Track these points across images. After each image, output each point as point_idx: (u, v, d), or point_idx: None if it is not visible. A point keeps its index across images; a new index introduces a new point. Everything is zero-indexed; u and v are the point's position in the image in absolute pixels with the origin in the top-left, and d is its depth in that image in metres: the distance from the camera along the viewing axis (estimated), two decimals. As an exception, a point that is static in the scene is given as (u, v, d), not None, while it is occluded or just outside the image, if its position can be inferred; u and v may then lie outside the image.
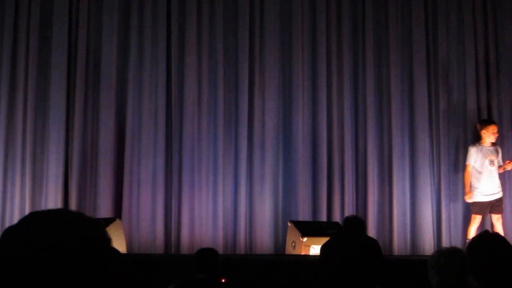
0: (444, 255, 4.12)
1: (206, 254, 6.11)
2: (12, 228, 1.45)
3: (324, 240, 8.88)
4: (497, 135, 9.93)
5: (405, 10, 10.72)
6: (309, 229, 9.06)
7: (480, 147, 9.87)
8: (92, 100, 10.19)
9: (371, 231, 10.15)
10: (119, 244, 8.49)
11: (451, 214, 10.35)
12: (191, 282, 6.09)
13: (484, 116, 10.58)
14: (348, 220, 7.07)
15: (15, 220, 9.51)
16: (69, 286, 1.38)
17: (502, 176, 10.03)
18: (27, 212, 9.45)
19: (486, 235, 3.61)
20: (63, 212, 1.47)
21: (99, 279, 1.42)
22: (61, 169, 9.99)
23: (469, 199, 9.78)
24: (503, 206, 9.82)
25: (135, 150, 10.11)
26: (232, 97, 10.37)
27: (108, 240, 1.48)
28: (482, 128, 9.95)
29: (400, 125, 10.49)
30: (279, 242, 9.95)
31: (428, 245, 10.14)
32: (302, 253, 8.60)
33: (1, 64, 10.10)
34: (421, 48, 10.63)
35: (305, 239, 8.74)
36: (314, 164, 10.33)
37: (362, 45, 10.64)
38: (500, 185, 9.82)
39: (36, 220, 1.44)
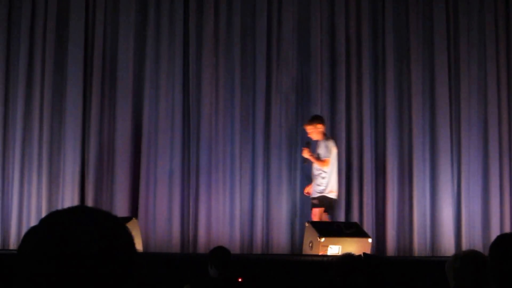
0: (460, 258, 4.05)
1: (220, 253, 6.22)
2: (34, 228, 1.42)
3: (342, 240, 8.80)
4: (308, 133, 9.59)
5: (426, 10, 10.62)
6: (327, 229, 8.99)
7: None
8: (109, 99, 10.19)
9: (391, 232, 10.09)
10: (136, 243, 8.45)
11: (470, 215, 10.26)
12: (206, 281, 6.09)
13: (504, 116, 10.50)
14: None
15: (32, 219, 9.57)
16: (93, 285, 1.36)
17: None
18: (43, 211, 9.51)
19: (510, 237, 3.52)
20: (84, 210, 1.45)
21: (123, 278, 1.40)
22: (77, 168, 9.99)
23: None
24: (313, 201, 9.47)
25: (151, 149, 10.10)
26: (250, 97, 10.32)
27: (131, 238, 1.45)
28: None
29: (420, 126, 10.41)
30: (296, 242, 9.89)
31: (448, 246, 10.06)
32: (320, 254, 8.53)
33: (18, 62, 10.11)
34: (442, 48, 10.55)
35: (323, 239, 8.68)
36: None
37: (382, 45, 10.57)
38: (316, 184, 9.45)
39: (57, 219, 1.41)
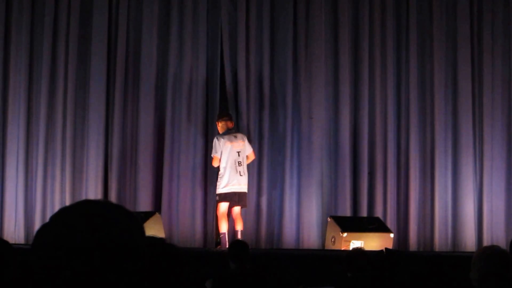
0: (483, 254, 4.04)
1: (237, 246, 6.43)
2: (45, 225, 1.46)
3: (365, 235, 8.82)
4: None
5: (449, 3, 10.56)
6: (349, 224, 9.01)
7: None
8: (132, 94, 10.22)
9: (413, 227, 10.06)
10: (158, 234, 8.50)
11: (493, 210, 10.21)
12: (229, 276, 6.13)
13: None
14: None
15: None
16: (106, 276, 1.38)
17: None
18: (67, 205, 9.53)
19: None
20: (91, 204, 1.47)
21: (134, 265, 1.41)
22: (101, 163, 10.05)
23: None
24: (216, 197, 9.46)
25: (175, 144, 10.12)
26: (276, 91, 10.32)
27: (140, 227, 1.46)
28: None
29: (443, 121, 10.37)
30: (316, 237, 9.90)
31: (469, 241, 10.02)
32: (342, 249, 8.54)
33: (41, 57, 10.16)
34: (466, 43, 10.49)
35: (345, 234, 8.69)
36: (355, 159, 10.26)
37: (405, 40, 10.53)
38: (217, 181, 9.47)
39: (66, 216, 1.44)
